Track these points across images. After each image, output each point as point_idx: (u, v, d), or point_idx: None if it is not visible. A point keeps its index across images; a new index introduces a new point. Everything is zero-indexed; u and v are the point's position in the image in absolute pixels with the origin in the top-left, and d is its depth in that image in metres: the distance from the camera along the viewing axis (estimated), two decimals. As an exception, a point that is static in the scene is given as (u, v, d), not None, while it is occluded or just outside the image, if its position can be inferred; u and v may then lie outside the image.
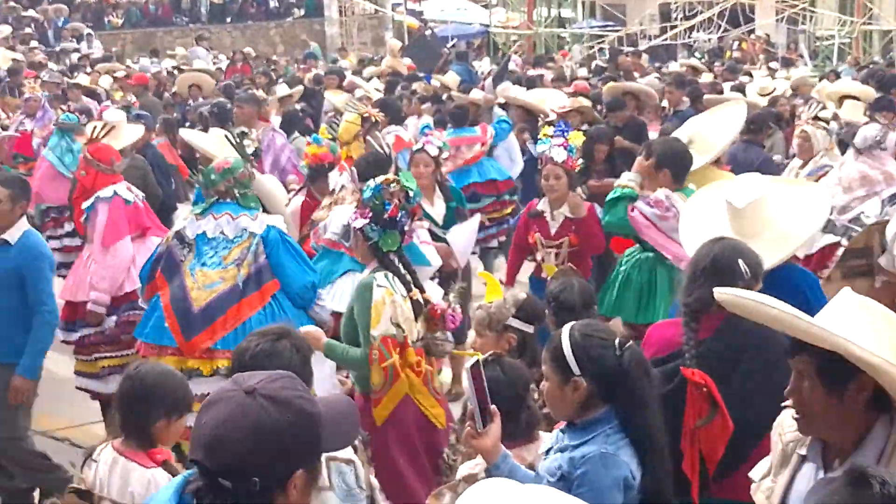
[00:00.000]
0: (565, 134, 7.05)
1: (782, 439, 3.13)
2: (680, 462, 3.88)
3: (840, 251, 6.34)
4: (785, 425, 3.12)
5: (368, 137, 7.73)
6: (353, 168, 7.00)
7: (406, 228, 5.15)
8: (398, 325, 4.97)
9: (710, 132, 7.14)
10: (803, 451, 3.02)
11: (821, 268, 6.95)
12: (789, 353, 2.99)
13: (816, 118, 10.70)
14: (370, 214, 5.06)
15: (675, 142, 6.67)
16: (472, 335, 5.12)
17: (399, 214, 5.04)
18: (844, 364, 2.80)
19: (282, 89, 14.52)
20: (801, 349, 2.92)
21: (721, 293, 3.14)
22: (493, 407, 3.40)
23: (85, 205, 7.17)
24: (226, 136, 7.91)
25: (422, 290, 5.16)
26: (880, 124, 7.62)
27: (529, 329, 4.56)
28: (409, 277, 5.17)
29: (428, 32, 25.98)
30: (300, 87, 15.26)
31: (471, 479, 3.73)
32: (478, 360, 3.41)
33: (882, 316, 2.97)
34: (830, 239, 7.11)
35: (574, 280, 5.07)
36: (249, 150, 8.14)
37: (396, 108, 11.30)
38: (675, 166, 6.31)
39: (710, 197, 5.37)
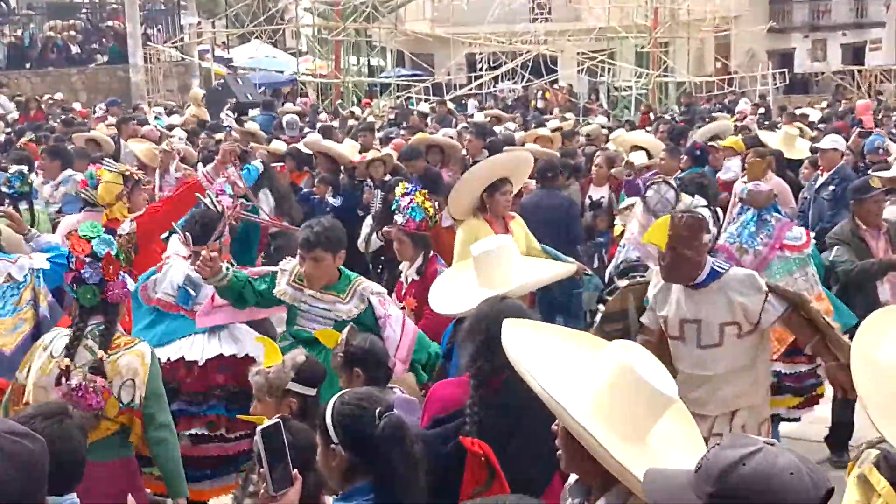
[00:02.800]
0: (413, 194, 6.98)
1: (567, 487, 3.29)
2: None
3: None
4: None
5: (198, 195, 7.35)
6: (187, 233, 6.44)
7: (103, 282, 4.82)
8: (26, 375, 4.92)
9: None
10: (570, 497, 3.20)
11: None
12: None
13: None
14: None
15: None
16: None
17: (84, 267, 4.77)
18: None
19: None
20: None
21: (511, 355, 3.25)
22: (295, 471, 3.32)
23: None
24: None
25: (97, 363, 4.78)
26: (670, 187, 7.82)
27: (311, 392, 4.44)
28: (83, 343, 4.84)
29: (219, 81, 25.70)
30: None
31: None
32: (277, 423, 3.32)
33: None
34: None
35: (372, 335, 5.04)
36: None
37: (66, 152, 10.97)
38: None
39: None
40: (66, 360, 4.73)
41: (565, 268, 6.40)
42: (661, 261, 5.44)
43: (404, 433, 3.36)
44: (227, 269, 5.74)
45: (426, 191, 7.19)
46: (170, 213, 7.29)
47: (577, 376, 3.27)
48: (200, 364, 6.11)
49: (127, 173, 7.72)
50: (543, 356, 3.35)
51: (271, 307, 6.05)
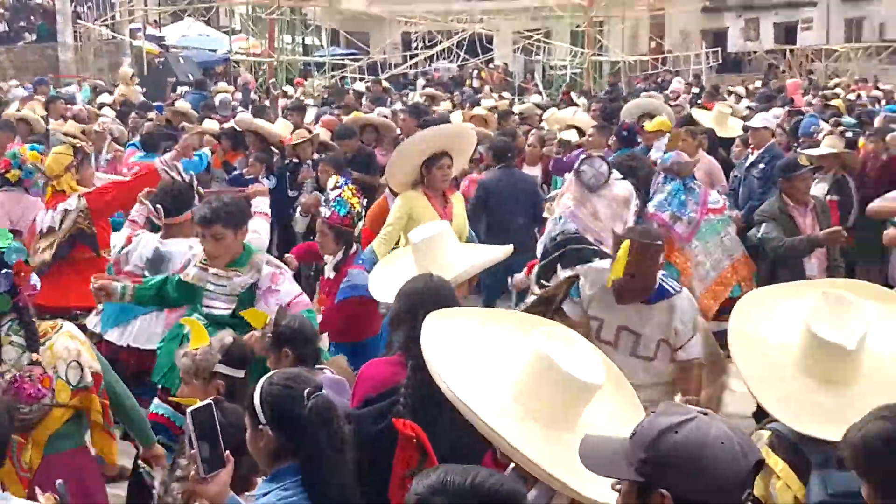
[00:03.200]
0: (343, 188, 6.90)
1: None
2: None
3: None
4: None
5: (165, 168, 7.22)
6: (158, 205, 6.47)
7: (14, 289, 4.61)
8: None
9: None
10: None
11: None
12: None
13: None
14: None
15: None
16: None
17: None
18: None
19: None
20: None
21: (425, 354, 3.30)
22: (227, 452, 3.29)
23: None
24: None
25: (33, 351, 4.62)
26: (604, 161, 7.81)
27: (238, 374, 4.41)
28: (10, 344, 4.64)
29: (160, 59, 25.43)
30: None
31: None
32: (209, 404, 3.29)
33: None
34: None
35: (301, 315, 5.01)
36: None
37: None
38: None
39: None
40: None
41: (501, 251, 6.39)
42: (616, 284, 5.34)
43: (332, 414, 3.33)
44: (123, 287, 5.67)
45: (355, 186, 7.15)
46: (121, 198, 7.27)
47: (500, 368, 3.28)
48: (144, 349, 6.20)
49: (78, 145, 7.68)
50: (465, 349, 3.37)
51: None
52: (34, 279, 4.79)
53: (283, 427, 3.30)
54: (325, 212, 6.68)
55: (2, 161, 8.09)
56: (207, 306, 5.63)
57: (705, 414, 2.51)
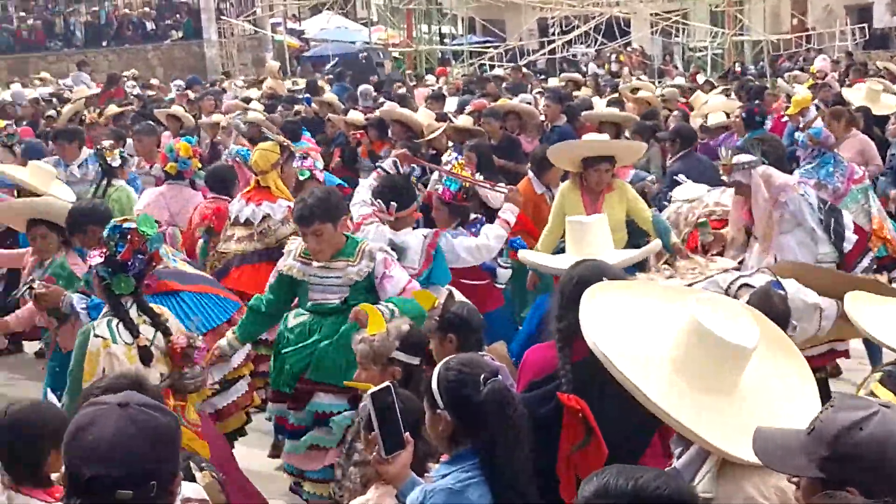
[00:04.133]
0: (452, 163, 7.02)
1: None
2: (557, 486, 3.90)
3: None
4: None
5: (382, 167, 7.14)
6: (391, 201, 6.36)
7: (142, 274, 5.00)
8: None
9: None
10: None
11: None
12: None
13: None
14: (105, 254, 4.95)
15: None
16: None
17: (131, 259, 4.91)
18: None
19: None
20: None
21: (592, 343, 3.28)
22: (407, 434, 3.40)
23: None
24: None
25: (166, 333, 5.00)
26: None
27: (415, 361, 4.49)
28: (143, 322, 5.01)
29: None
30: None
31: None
32: (388, 386, 3.40)
33: None
34: None
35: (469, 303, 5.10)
36: (115, 163, 8.20)
37: (80, 133, 10.94)
38: None
39: None
40: (145, 338, 4.92)
41: (649, 250, 6.51)
42: None
43: (508, 398, 3.39)
44: (229, 342, 5.78)
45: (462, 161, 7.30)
46: None
47: (656, 338, 3.29)
48: None
49: (284, 143, 7.73)
50: (620, 323, 3.38)
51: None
52: (158, 272, 5.25)
53: (460, 411, 3.36)
54: (438, 188, 6.83)
55: (160, 156, 8.43)
56: (314, 300, 5.67)
57: (887, 406, 2.46)
